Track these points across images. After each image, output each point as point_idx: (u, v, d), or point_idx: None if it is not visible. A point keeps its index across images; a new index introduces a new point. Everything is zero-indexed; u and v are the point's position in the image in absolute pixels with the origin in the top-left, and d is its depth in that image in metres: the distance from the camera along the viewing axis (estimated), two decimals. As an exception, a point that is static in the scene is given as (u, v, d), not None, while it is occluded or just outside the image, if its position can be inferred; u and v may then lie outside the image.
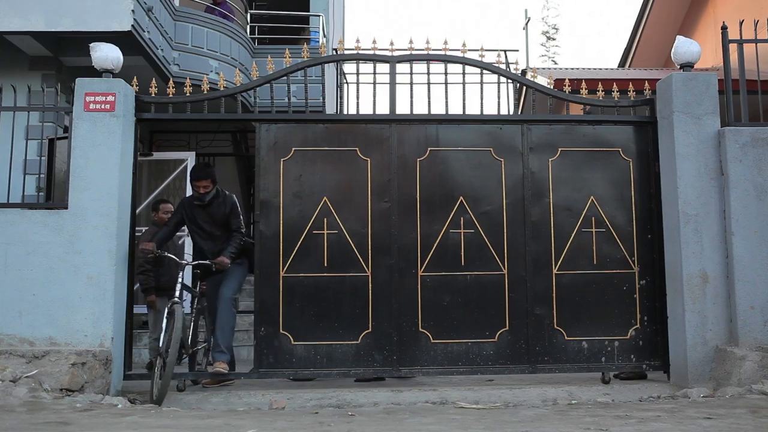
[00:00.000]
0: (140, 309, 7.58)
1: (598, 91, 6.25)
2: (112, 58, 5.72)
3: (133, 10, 8.33)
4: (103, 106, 5.61)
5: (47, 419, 4.07)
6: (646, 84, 6.21)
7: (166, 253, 5.88)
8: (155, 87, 5.97)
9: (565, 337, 5.83)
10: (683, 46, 5.96)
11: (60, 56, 8.95)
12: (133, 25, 8.33)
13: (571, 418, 4.22)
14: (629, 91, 6.19)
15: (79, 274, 5.40)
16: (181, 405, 5.07)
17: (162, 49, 9.58)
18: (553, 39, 30.70)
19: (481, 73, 6.14)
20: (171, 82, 6.06)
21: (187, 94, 5.91)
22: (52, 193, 7.58)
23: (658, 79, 6.12)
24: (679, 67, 5.99)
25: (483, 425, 4.05)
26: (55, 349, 5.19)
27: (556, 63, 28.18)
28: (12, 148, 5.85)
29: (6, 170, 6.00)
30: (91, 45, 5.73)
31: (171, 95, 5.93)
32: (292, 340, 5.70)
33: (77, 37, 8.34)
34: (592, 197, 5.99)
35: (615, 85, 6.19)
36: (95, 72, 5.75)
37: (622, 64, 15.04)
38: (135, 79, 5.90)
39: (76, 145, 5.61)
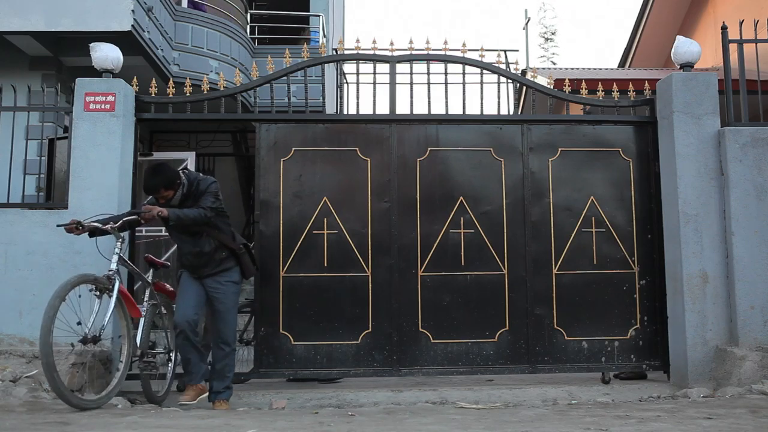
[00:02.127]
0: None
1: (598, 91, 6.25)
2: (112, 58, 5.72)
3: (133, 10, 8.34)
4: (103, 106, 5.61)
5: (47, 419, 4.06)
6: (646, 84, 6.21)
7: (90, 223, 4.80)
8: (155, 87, 5.97)
9: (565, 337, 5.83)
10: (683, 46, 5.96)
11: (60, 56, 8.96)
12: (133, 25, 8.34)
13: (571, 418, 4.22)
14: (629, 91, 6.19)
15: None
16: (180, 405, 5.06)
17: (162, 49, 9.58)
18: (551, 40, 30.70)
19: (481, 73, 6.15)
20: (171, 82, 6.06)
21: (187, 94, 5.91)
22: (52, 193, 7.58)
23: (658, 79, 6.12)
24: (679, 67, 5.99)
25: (483, 425, 4.05)
26: (55, 349, 5.18)
27: (555, 64, 28.16)
28: (12, 148, 5.85)
29: (6, 170, 6.00)
30: (91, 45, 5.73)
31: (171, 95, 5.93)
32: (292, 340, 5.70)
33: (77, 37, 8.35)
34: (592, 197, 5.99)
35: (615, 85, 6.19)
36: (95, 72, 5.75)
37: (622, 64, 15.03)
38: (135, 79, 5.90)
39: (76, 145, 5.61)
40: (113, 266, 4.70)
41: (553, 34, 30.56)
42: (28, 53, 8.84)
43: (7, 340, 5.33)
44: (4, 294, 5.38)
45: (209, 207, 4.90)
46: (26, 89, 7.99)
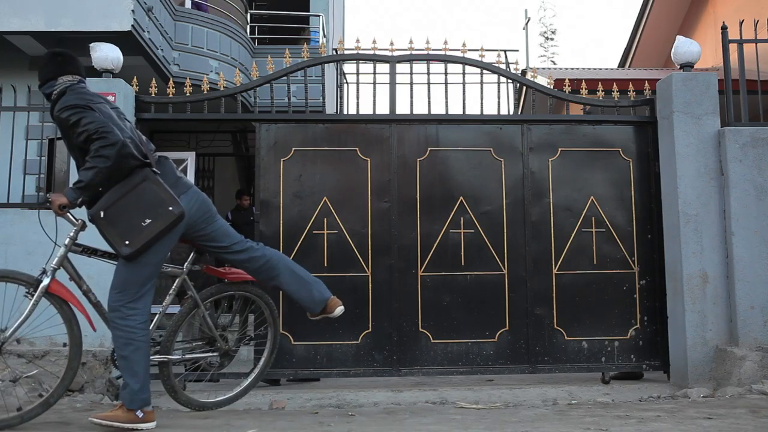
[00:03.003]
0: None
1: (598, 91, 6.25)
2: (112, 58, 5.72)
3: (133, 10, 8.34)
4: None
5: (47, 419, 4.07)
6: (646, 84, 6.21)
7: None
8: (155, 87, 5.97)
9: (565, 337, 5.83)
10: (683, 46, 5.96)
11: (60, 56, 8.94)
12: (133, 25, 8.34)
13: (571, 418, 4.22)
14: (629, 91, 6.19)
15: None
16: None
17: (162, 49, 9.58)
18: (551, 39, 30.69)
19: (481, 73, 6.15)
20: (171, 82, 6.06)
21: (187, 94, 5.91)
22: (53, 191, 7.58)
23: (658, 79, 6.11)
24: (679, 67, 5.99)
25: (483, 425, 4.05)
26: (55, 349, 5.19)
27: (555, 63, 28.17)
28: (12, 148, 5.85)
29: (6, 170, 6.00)
30: (91, 45, 5.72)
31: (171, 95, 5.93)
32: (292, 340, 5.70)
33: (77, 37, 8.34)
34: (592, 197, 5.99)
35: (615, 85, 6.19)
36: (95, 72, 5.74)
37: (622, 64, 15.04)
38: (135, 79, 5.89)
39: (76, 145, 5.59)
40: (54, 261, 4.05)
41: (553, 33, 30.55)
42: (28, 53, 8.84)
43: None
44: (4, 294, 5.37)
45: (93, 137, 3.83)
46: (26, 89, 7.99)
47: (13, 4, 8.25)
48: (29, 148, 6.83)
